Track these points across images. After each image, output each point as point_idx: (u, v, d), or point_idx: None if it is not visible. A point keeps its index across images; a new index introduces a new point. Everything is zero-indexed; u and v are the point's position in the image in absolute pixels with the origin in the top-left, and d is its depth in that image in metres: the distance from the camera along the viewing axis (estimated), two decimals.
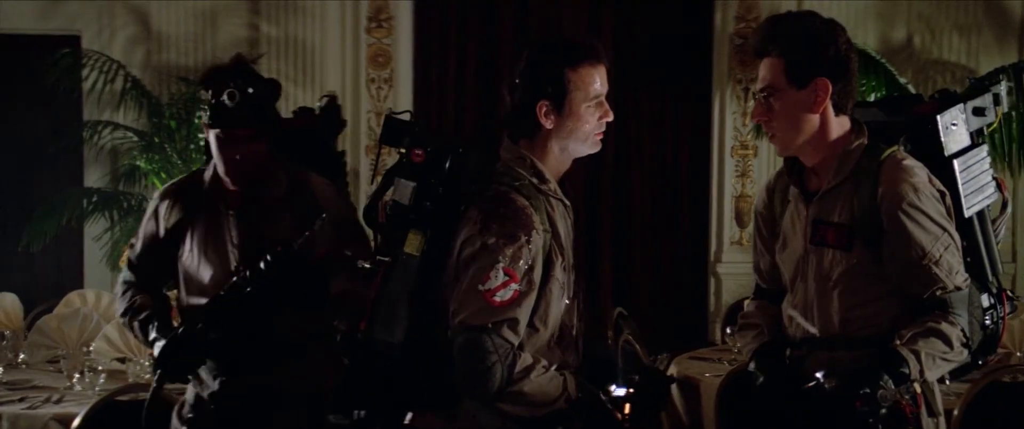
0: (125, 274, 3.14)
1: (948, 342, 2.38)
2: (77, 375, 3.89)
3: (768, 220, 2.70)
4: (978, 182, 2.55)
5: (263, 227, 2.94)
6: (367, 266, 2.38)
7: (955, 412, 3.54)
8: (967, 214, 2.53)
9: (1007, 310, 2.56)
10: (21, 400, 3.72)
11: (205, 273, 2.98)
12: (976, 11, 6.89)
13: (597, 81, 2.40)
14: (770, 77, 2.46)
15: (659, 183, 7.11)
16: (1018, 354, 4.31)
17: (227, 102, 2.85)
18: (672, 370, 4.41)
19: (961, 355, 2.43)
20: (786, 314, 2.62)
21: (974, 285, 2.47)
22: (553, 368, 2.34)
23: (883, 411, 2.31)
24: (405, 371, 2.33)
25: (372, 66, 6.90)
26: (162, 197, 3.09)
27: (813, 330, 2.53)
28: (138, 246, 3.12)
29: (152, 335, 2.96)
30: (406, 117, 2.44)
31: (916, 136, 2.56)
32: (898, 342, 2.37)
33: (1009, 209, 2.70)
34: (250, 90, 2.87)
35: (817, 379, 2.40)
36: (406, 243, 2.32)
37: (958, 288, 2.42)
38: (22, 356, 4.46)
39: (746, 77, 6.73)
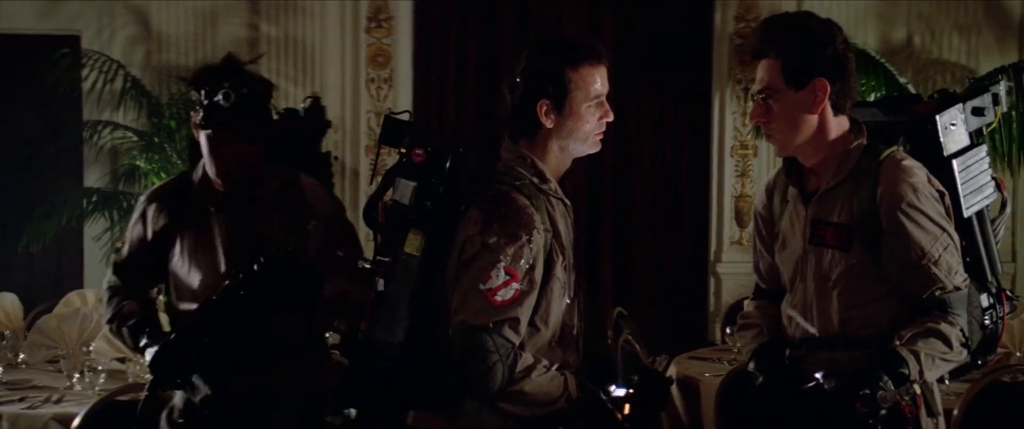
0: (111, 279, 3.10)
1: (947, 342, 2.38)
2: (77, 375, 3.88)
3: (767, 220, 2.70)
4: (977, 182, 2.55)
5: (254, 229, 2.92)
6: (367, 266, 2.38)
7: (955, 412, 3.54)
8: (966, 214, 2.53)
9: (1006, 310, 2.56)
10: (21, 400, 3.72)
11: (195, 276, 2.96)
12: (976, 11, 6.88)
13: (597, 81, 2.41)
14: (768, 78, 2.46)
15: (659, 183, 7.11)
16: (1018, 354, 4.31)
17: (222, 102, 2.81)
18: (672, 370, 4.41)
19: (960, 355, 2.43)
20: (785, 314, 2.62)
21: (973, 285, 2.48)
22: (554, 368, 2.35)
23: (883, 412, 2.32)
24: (406, 371, 2.33)
25: (372, 66, 6.90)
26: (149, 200, 3.06)
27: (812, 330, 2.53)
28: (124, 250, 3.08)
29: (143, 341, 2.93)
30: (405, 117, 2.44)
31: (915, 136, 2.56)
32: (897, 343, 2.38)
33: (1008, 209, 2.70)
34: (244, 90, 2.84)
35: (816, 379, 2.41)
36: (406, 243, 2.32)
37: (957, 288, 2.42)
38: (22, 356, 4.45)
39: (746, 77, 6.73)
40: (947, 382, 2.68)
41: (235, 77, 2.85)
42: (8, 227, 6.73)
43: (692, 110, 7.07)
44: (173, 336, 2.86)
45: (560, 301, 2.39)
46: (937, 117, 2.54)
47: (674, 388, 4.26)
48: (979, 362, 2.58)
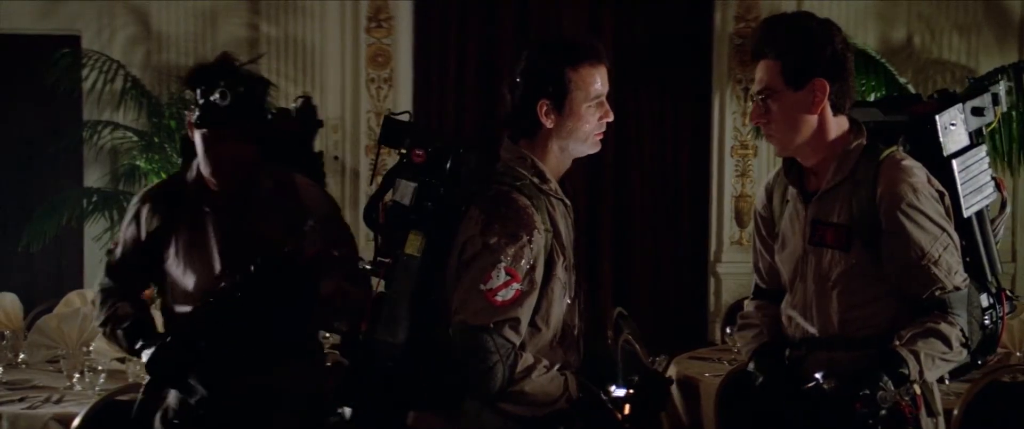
0: (103, 281, 3.07)
1: (947, 342, 2.38)
2: (77, 375, 3.88)
3: (767, 220, 2.70)
4: (977, 182, 2.55)
5: (249, 229, 2.91)
6: (367, 267, 2.38)
7: (955, 412, 3.54)
8: (966, 214, 2.53)
9: (1006, 310, 2.56)
10: (21, 400, 3.72)
11: (190, 276, 2.94)
12: (976, 11, 6.88)
13: (597, 81, 2.41)
14: (767, 79, 2.46)
15: (659, 183, 7.11)
16: (1018, 354, 4.31)
17: (219, 101, 2.78)
18: (672, 370, 4.41)
19: (960, 355, 2.43)
20: (785, 314, 2.62)
21: (973, 285, 2.47)
22: (555, 368, 2.35)
23: (882, 412, 2.32)
24: (406, 371, 2.33)
25: (372, 66, 6.90)
26: (142, 201, 3.03)
27: (812, 330, 2.53)
28: (118, 251, 3.06)
29: (139, 343, 2.91)
30: (405, 118, 2.44)
31: (915, 136, 2.56)
32: (897, 343, 2.38)
33: (1008, 209, 2.70)
34: (241, 89, 2.81)
35: (816, 380, 2.41)
36: (407, 244, 2.32)
37: (957, 288, 2.42)
38: (22, 356, 4.45)
39: (746, 77, 6.73)
40: (947, 382, 2.68)
41: (231, 76, 2.83)
42: (8, 227, 6.74)
43: (692, 110, 7.08)
44: (170, 338, 2.84)
45: (561, 301, 2.39)
46: (937, 117, 2.54)
47: (674, 388, 4.26)
48: (979, 362, 2.58)
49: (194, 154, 2.95)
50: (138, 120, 6.57)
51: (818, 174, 2.53)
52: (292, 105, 3.45)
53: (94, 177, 6.84)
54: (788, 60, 2.43)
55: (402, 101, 6.80)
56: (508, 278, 2.27)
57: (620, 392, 2.41)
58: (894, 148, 2.49)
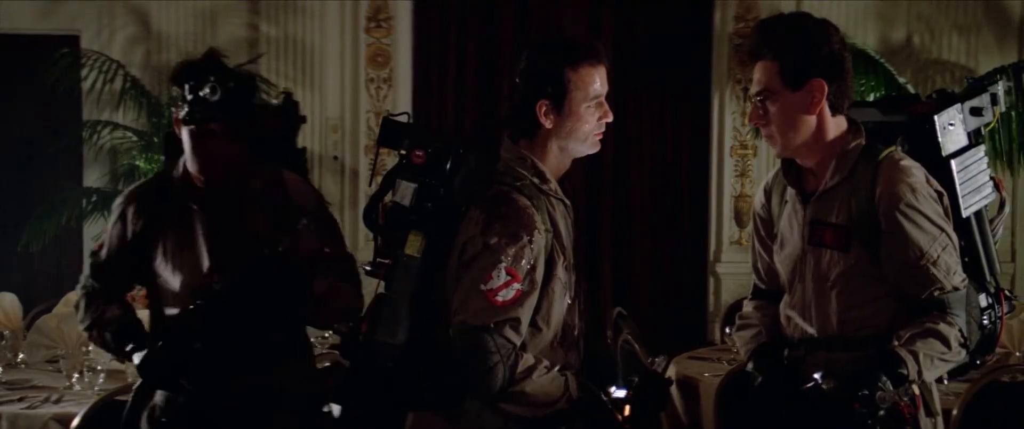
0: (88, 282, 3.01)
1: (946, 343, 2.38)
2: (76, 375, 3.88)
3: (766, 221, 2.70)
4: (976, 182, 2.55)
5: (239, 227, 2.88)
6: (367, 268, 2.38)
7: (954, 412, 3.54)
8: (965, 214, 2.54)
9: (1005, 310, 2.56)
10: (20, 400, 3.71)
11: (179, 276, 2.90)
12: (976, 11, 6.88)
13: (597, 81, 2.41)
14: (765, 80, 2.47)
15: (659, 183, 7.11)
16: (1017, 354, 4.31)
17: (209, 96, 2.73)
18: (672, 370, 4.41)
19: (959, 355, 2.43)
20: (784, 314, 2.62)
21: (972, 285, 2.48)
22: (555, 369, 2.35)
23: (881, 412, 2.32)
24: (406, 372, 2.33)
25: (371, 66, 6.90)
26: (128, 200, 2.98)
27: (811, 330, 2.53)
28: (104, 252, 3.00)
29: (129, 346, 2.88)
30: (403, 118, 2.43)
31: (913, 136, 2.56)
32: (896, 343, 2.38)
33: (1007, 209, 2.70)
34: (231, 84, 2.77)
35: (815, 380, 2.41)
36: (407, 244, 2.32)
37: (956, 288, 2.42)
38: (21, 356, 4.45)
39: (745, 77, 6.73)
40: (946, 382, 2.69)
41: (220, 71, 2.79)
42: (8, 227, 6.73)
43: (692, 110, 7.08)
44: (163, 339, 2.81)
45: (561, 301, 2.39)
46: (935, 117, 2.54)
47: (673, 388, 4.26)
48: (978, 362, 2.59)
49: (178, 152, 2.90)
50: (138, 120, 6.57)
51: (817, 174, 2.53)
52: (273, 101, 3.41)
53: (94, 177, 6.85)
54: (786, 61, 2.43)
55: (402, 101, 6.80)
56: (509, 278, 2.28)
57: (620, 393, 2.41)
58: (893, 148, 2.49)
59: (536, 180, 2.39)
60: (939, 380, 2.55)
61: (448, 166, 2.34)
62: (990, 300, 2.53)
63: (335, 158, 6.85)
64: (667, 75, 7.02)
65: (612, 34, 6.88)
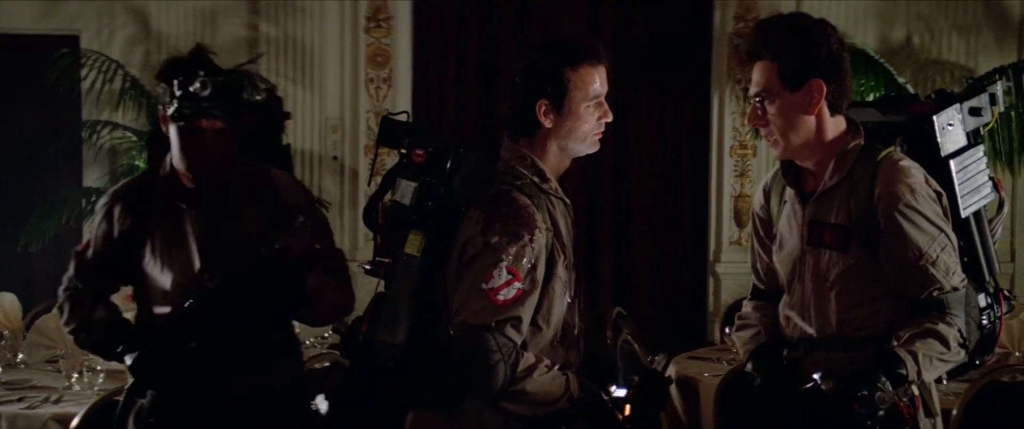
0: (73, 284, 2.97)
1: (945, 343, 2.38)
2: (76, 375, 3.89)
3: (765, 221, 2.70)
4: (975, 182, 2.55)
5: (229, 225, 2.85)
6: (367, 267, 2.38)
7: (953, 412, 3.54)
8: (964, 214, 2.54)
9: (1004, 310, 2.56)
10: (20, 400, 3.72)
11: (169, 276, 2.87)
12: (976, 11, 6.88)
13: (597, 81, 2.41)
14: (764, 81, 2.47)
15: (659, 183, 7.11)
16: (1016, 354, 4.31)
17: (199, 91, 2.70)
18: (671, 370, 4.42)
19: (958, 356, 2.43)
20: (783, 315, 2.62)
21: (971, 285, 2.48)
22: (556, 368, 2.35)
23: (880, 413, 2.32)
24: (407, 371, 2.33)
25: (371, 66, 6.90)
26: (113, 200, 2.94)
27: (810, 331, 2.54)
28: (89, 252, 2.95)
29: (119, 348, 2.86)
30: (403, 118, 2.43)
31: (912, 136, 2.56)
32: (895, 343, 2.38)
33: (1006, 209, 2.70)
34: (220, 79, 2.74)
35: (814, 380, 2.41)
36: (407, 244, 2.32)
37: (955, 288, 2.42)
38: (21, 356, 4.46)
39: (745, 77, 6.66)
40: (945, 382, 2.69)
41: (208, 66, 2.76)
42: (8, 227, 6.73)
43: (692, 110, 7.08)
44: (156, 339, 2.80)
45: (561, 300, 2.39)
46: (934, 117, 2.54)
47: (673, 388, 4.26)
48: (977, 362, 2.59)
49: (163, 150, 2.87)
50: (137, 120, 6.57)
51: (816, 175, 2.53)
52: (256, 97, 3.39)
53: (93, 177, 6.84)
54: (785, 61, 2.43)
55: (401, 101, 6.80)
56: (510, 277, 2.28)
57: (620, 392, 2.41)
58: (892, 148, 2.49)
59: (536, 179, 2.39)
60: (938, 380, 2.56)
61: (448, 165, 2.34)
62: (989, 300, 2.53)
63: (335, 158, 6.85)
64: (667, 75, 7.02)
65: (612, 34, 6.88)
